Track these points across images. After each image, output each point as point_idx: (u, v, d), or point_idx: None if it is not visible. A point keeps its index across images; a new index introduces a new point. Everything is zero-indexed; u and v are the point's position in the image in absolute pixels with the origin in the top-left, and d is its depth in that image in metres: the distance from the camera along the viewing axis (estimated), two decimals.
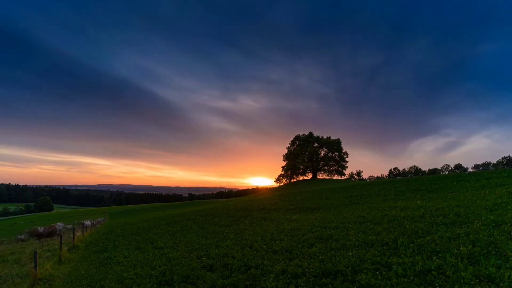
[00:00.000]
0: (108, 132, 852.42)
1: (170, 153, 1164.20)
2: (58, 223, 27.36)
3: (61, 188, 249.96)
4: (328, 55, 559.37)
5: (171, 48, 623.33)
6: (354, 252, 7.70)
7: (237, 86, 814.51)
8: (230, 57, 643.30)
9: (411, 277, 5.47)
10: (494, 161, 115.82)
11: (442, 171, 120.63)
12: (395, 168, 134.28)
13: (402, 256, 6.76)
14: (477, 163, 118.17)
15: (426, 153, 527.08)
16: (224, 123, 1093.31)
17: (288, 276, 6.69)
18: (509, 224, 7.94)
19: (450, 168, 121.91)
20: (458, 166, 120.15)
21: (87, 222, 28.84)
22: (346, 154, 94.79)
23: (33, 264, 9.69)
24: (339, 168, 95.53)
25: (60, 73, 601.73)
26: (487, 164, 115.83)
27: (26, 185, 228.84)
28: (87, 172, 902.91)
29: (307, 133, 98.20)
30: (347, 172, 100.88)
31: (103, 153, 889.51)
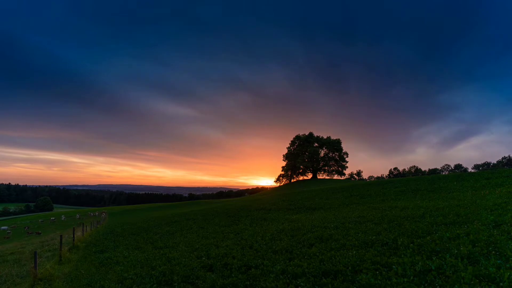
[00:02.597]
0: (35, 120, 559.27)
1: (135, 148, 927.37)
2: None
3: (61, 188, 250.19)
4: None
5: None
6: (354, 252, 7.70)
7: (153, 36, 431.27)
8: None
9: (411, 277, 5.47)
10: (495, 160, 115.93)
11: (442, 171, 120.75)
12: (395, 168, 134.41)
13: (402, 256, 6.76)
14: (477, 163, 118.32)
15: (431, 146, 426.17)
16: (173, 105, 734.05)
17: (288, 276, 6.69)
18: (509, 224, 7.94)
19: (450, 168, 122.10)
20: (458, 166, 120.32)
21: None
22: (346, 154, 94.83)
23: (33, 264, 9.69)
24: (339, 168, 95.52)
25: None
26: (487, 164, 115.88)
27: (26, 185, 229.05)
28: (70, 171, 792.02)
29: (307, 133, 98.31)
30: (347, 172, 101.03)
31: (62, 147, 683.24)
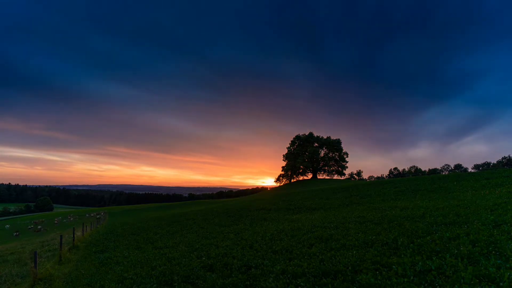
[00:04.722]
0: None
1: (105, 143, 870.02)
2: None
3: (61, 188, 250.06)
4: None
5: None
6: (354, 252, 7.70)
7: None
8: None
9: (411, 277, 5.46)
10: (494, 161, 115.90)
11: (442, 171, 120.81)
12: (395, 168, 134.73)
13: (402, 256, 6.76)
14: (477, 163, 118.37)
15: (435, 139, 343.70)
16: (114, 81, 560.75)
17: (288, 276, 6.69)
18: (509, 224, 7.94)
19: (450, 168, 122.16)
20: (458, 166, 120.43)
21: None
22: (346, 154, 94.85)
23: (33, 264, 9.69)
24: (339, 168, 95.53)
25: None
26: (487, 164, 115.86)
27: (26, 185, 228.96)
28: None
29: (307, 133, 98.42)
30: (347, 172, 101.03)
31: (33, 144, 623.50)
